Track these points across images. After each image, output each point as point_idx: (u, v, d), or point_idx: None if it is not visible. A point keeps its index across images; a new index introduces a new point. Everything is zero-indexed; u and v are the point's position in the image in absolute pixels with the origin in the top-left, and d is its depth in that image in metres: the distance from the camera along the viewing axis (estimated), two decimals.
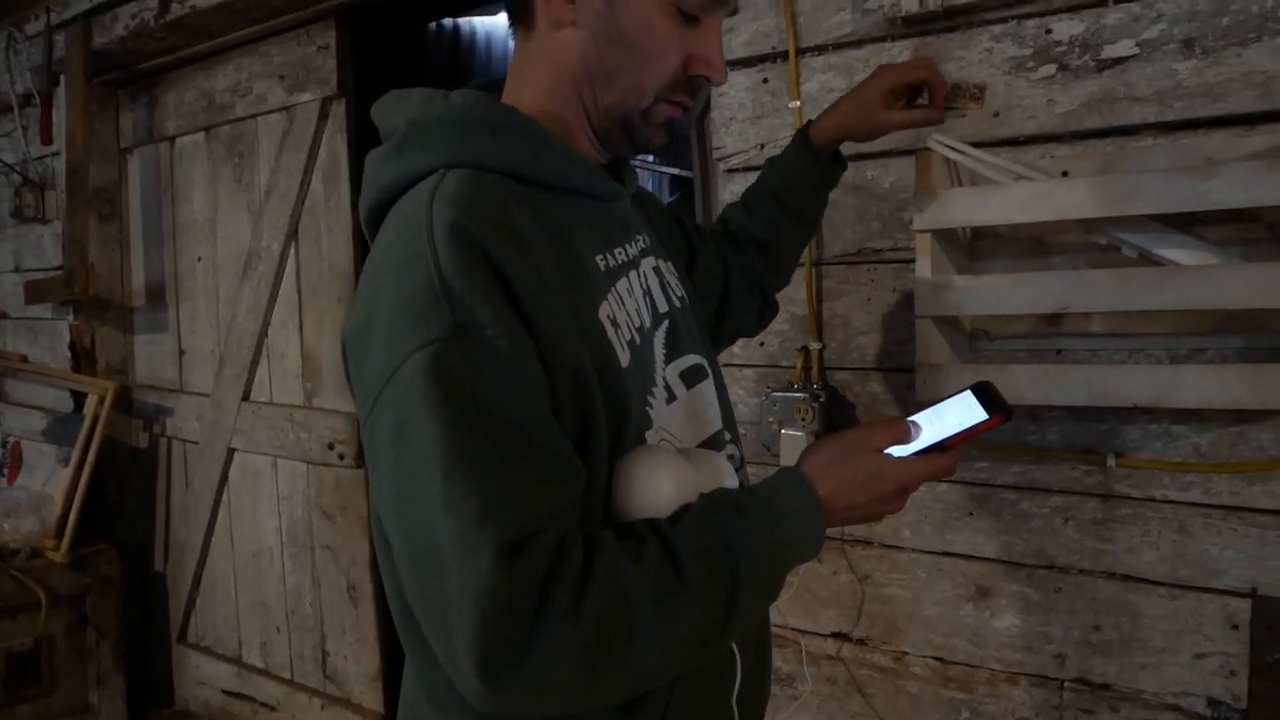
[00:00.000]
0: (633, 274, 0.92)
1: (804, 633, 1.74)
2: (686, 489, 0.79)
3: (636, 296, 0.90)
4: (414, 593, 0.73)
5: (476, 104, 0.85)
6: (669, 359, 0.94)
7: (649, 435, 0.85)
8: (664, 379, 0.91)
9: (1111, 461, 1.42)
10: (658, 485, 0.78)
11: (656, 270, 0.98)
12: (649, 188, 8.39)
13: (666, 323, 0.95)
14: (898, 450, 0.86)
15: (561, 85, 0.88)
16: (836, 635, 1.71)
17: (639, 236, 0.97)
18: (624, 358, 0.83)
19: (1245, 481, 1.34)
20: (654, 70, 0.86)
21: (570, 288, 0.80)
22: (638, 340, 0.87)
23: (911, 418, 0.87)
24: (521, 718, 0.75)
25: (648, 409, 0.86)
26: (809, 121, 1.27)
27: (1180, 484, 1.39)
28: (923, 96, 1.23)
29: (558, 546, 0.70)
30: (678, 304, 1.00)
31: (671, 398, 0.92)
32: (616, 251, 0.91)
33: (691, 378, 0.96)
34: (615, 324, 0.84)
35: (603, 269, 0.87)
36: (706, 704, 0.90)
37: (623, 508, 0.79)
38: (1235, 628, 1.36)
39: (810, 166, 1.26)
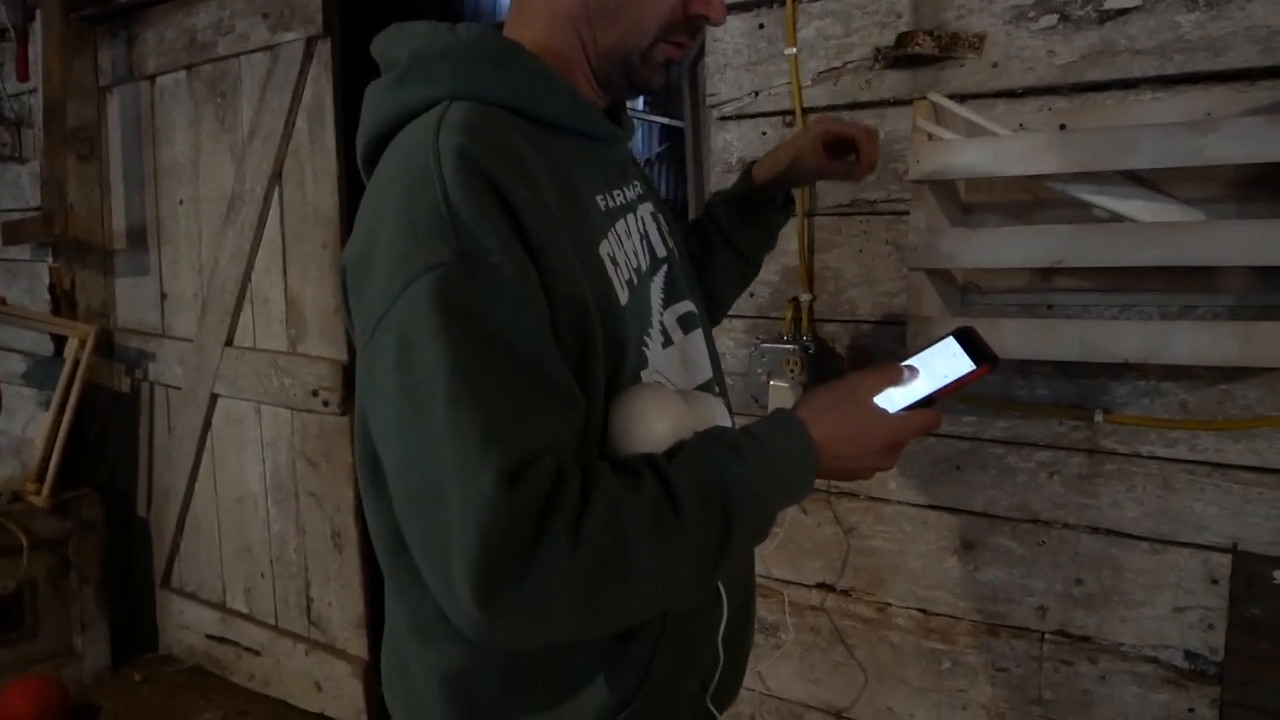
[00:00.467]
0: (630, 217, 0.92)
1: (788, 583, 1.76)
2: (682, 427, 0.80)
3: (634, 239, 0.91)
4: (410, 521, 0.73)
5: (481, 37, 0.84)
6: (666, 304, 0.94)
7: (645, 375, 0.86)
8: (661, 323, 0.92)
9: (1099, 417, 1.43)
10: (654, 422, 0.79)
11: (654, 216, 0.99)
12: (640, 137, 8.32)
13: (665, 268, 0.96)
14: (893, 399, 0.85)
15: (560, 25, 0.88)
16: (821, 586, 1.73)
17: (635, 182, 0.98)
18: (623, 296, 0.84)
19: (1230, 439, 1.35)
20: (653, 9, 0.86)
21: (573, 223, 0.80)
22: (635, 281, 0.88)
23: (905, 362, 0.87)
24: (516, 645, 0.77)
25: (644, 349, 0.87)
26: (753, 161, 1.24)
27: (1166, 440, 1.40)
28: (851, 155, 1.16)
29: (556, 475, 0.70)
30: (674, 251, 1.00)
31: (668, 342, 0.93)
32: (615, 193, 0.91)
33: (688, 324, 0.97)
34: (615, 262, 0.85)
35: (603, 208, 0.87)
36: (694, 643, 0.91)
37: (619, 443, 0.80)
38: (1215, 582, 1.38)
39: (749, 203, 1.23)
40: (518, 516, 0.67)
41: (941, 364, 0.86)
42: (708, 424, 0.83)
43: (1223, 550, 1.37)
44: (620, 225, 0.89)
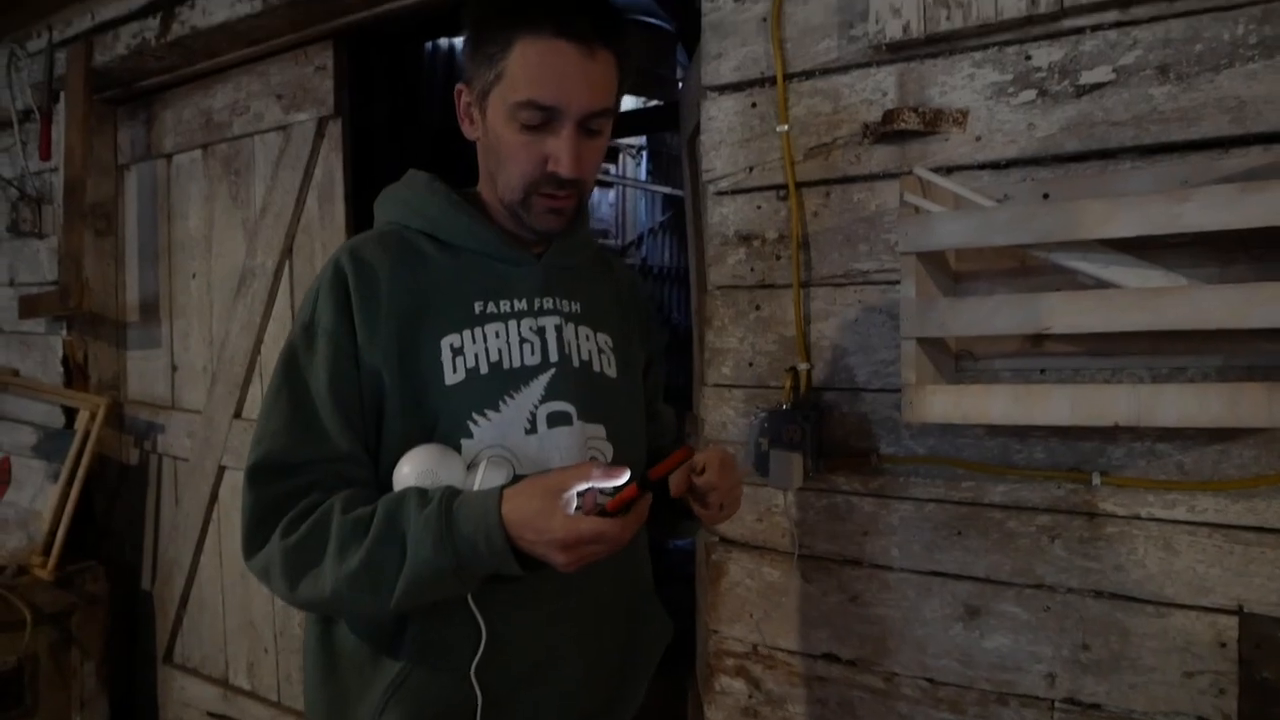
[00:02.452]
0: (514, 322, 1.14)
1: (794, 653, 1.74)
2: (428, 479, 1.03)
3: (510, 339, 1.13)
4: None
5: (421, 184, 1.20)
6: (544, 400, 1.13)
7: (465, 443, 1.08)
8: (532, 413, 1.12)
9: (1097, 480, 1.43)
10: (401, 469, 1.04)
11: (558, 328, 1.17)
12: (642, 206, 8.45)
13: (553, 370, 1.15)
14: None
15: (484, 180, 1.19)
16: (826, 656, 1.71)
17: (548, 299, 1.18)
18: (452, 378, 1.09)
19: (1229, 499, 1.35)
20: (514, 170, 1.10)
21: (414, 314, 1.09)
22: (483, 369, 1.10)
23: (603, 466, 0.99)
24: (276, 595, 1.06)
25: (470, 423, 1.09)
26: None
27: (1165, 502, 1.40)
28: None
29: (304, 484, 1.04)
30: (577, 364, 1.17)
31: (532, 430, 1.12)
32: (501, 302, 1.14)
33: (555, 420, 1.14)
34: (458, 351, 1.10)
35: (476, 311, 1.13)
36: (439, 664, 1.08)
37: (393, 482, 1.05)
38: (1223, 645, 1.37)
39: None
40: (257, 503, 1.04)
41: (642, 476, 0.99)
42: (453, 480, 1.03)
43: (1229, 612, 1.37)
44: (493, 326, 1.13)
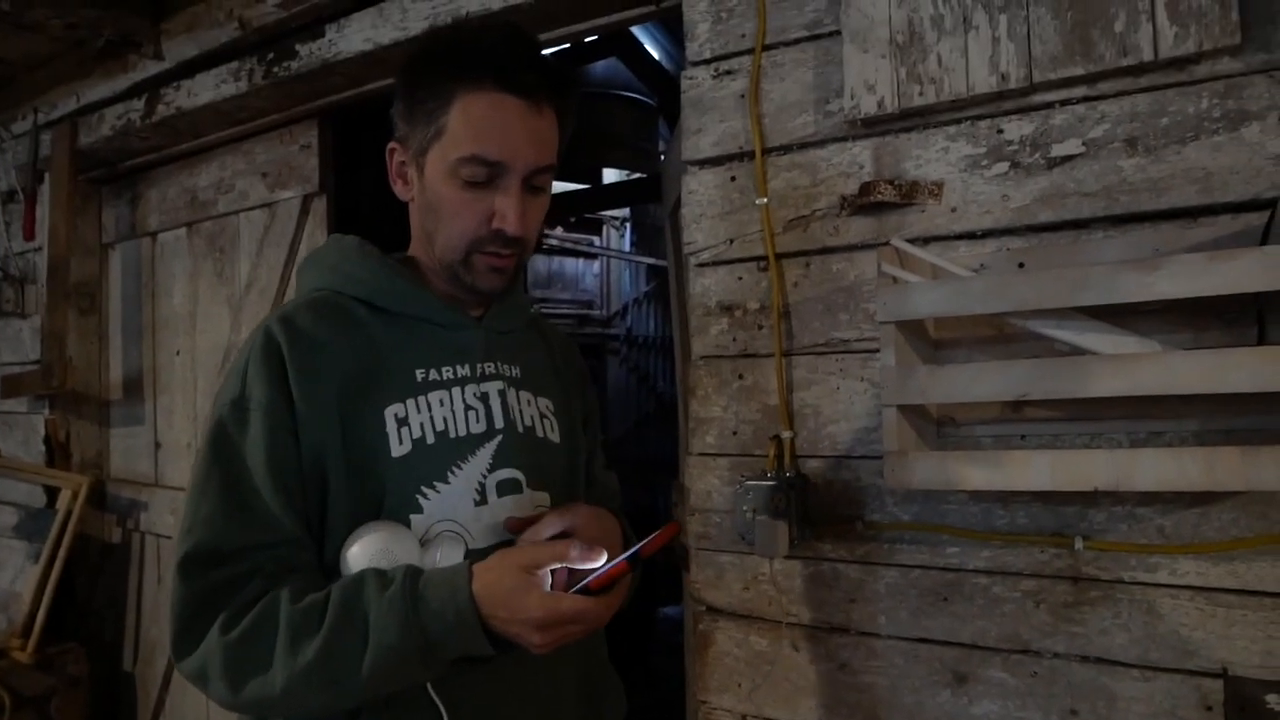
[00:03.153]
0: (458, 389, 1.10)
1: None
2: (383, 559, 0.97)
3: (454, 407, 1.09)
4: None
5: (350, 247, 1.15)
6: (493, 468, 1.10)
7: (415, 519, 1.03)
8: (481, 483, 1.08)
9: (1079, 545, 1.44)
10: (351, 550, 0.99)
11: (501, 393, 1.14)
12: (626, 277, 8.53)
13: (500, 438, 1.11)
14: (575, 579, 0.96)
15: (417, 242, 1.15)
16: None
17: (490, 364, 1.14)
18: (399, 449, 1.04)
19: (1210, 562, 1.36)
20: (456, 228, 1.07)
21: (355, 384, 1.03)
22: (429, 439, 1.05)
23: (579, 545, 0.96)
24: (212, 699, 0.96)
25: (419, 496, 1.04)
26: None
27: (1147, 565, 1.41)
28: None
29: (244, 572, 0.95)
30: (521, 430, 1.14)
31: (482, 500, 1.08)
32: (444, 369, 1.10)
33: (504, 489, 1.10)
34: (403, 421, 1.05)
35: (419, 379, 1.08)
36: None
37: (341, 565, 0.99)
38: (1209, 709, 1.37)
39: None
40: (190, 597, 0.94)
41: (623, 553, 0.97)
42: (409, 559, 0.98)
43: (1214, 675, 1.37)
44: (437, 394, 1.08)
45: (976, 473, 1.37)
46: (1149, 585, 1.41)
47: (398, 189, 1.14)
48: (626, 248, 8.66)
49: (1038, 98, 1.48)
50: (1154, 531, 1.40)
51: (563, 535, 1.04)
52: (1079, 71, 1.41)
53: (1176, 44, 1.33)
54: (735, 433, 1.77)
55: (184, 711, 2.92)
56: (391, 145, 1.12)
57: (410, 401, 1.06)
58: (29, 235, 3.10)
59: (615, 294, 8.45)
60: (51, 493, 3.01)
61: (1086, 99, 1.45)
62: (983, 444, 1.53)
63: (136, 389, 3.12)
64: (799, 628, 1.71)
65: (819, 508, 1.68)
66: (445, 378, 1.10)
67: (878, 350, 1.52)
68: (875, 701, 1.64)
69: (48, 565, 2.75)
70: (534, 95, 1.04)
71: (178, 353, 2.98)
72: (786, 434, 1.70)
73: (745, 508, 1.67)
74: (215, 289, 2.86)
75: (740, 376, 1.77)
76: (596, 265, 8.26)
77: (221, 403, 1.02)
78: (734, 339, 1.78)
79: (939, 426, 1.57)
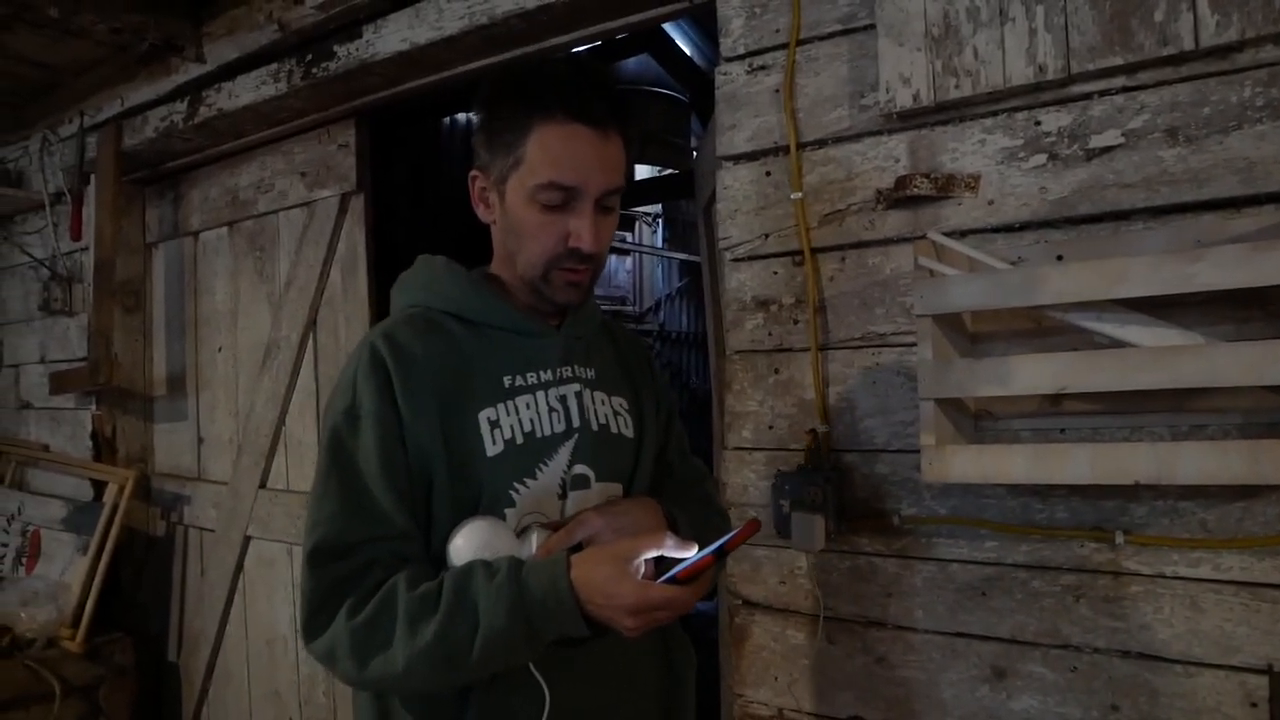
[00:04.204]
0: (541, 393, 1.20)
1: (820, 716, 1.73)
2: (486, 550, 1.07)
3: (539, 409, 1.19)
4: None
5: (440, 267, 1.25)
6: (571, 464, 1.20)
7: (509, 512, 1.13)
8: (563, 479, 1.19)
9: (1120, 539, 1.43)
10: (455, 542, 1.08)
11: (578, 395, 1.23)
12: (659, 273, 8.54)
13: (576, 436, 1.21)
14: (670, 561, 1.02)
15: (501, 260, 1.24)
16: (853, 719, 1.70)
17: (567, 368, 1.24)
18: (493, 449, 1.14)
19: (1254, 557, 1.35)
20: (536, 248, 1.16)
21: (452, 392, 1.14)
22: (519, 440, 1.16)
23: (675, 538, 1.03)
24: (338, 679, 1.08)
25: (512, 492, 1.14)
26: None
27: (1189, 560, 1.40)
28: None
29: (364, 564, 1.06)
30: (595, 428, 1.23)
31: (563, 495, 1.19)
32: (528, 375, 1.20)
33: (576, 484, 1.20)
34: (495, 424, 1.15)
35: (506, 385, 1.18)
36: None
37: (447, 555, 1.09)
38: (1254, 705, 1.35)
39: None
40: (318, 587, 1.05)
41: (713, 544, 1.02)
42: (509, 550, 1.08)
43: (1259, 672, 1.35)
44: (524, 398, 1.18)
45: (1015, 466, 1.36)
46: (1192, 580, 1.40)
47: (480, 212, 1.23)
48: (659, 244, 8.67)
49: (1076, 89, 1.47)
50: (1197, 525, 1.39)
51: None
52: (1118, 62, 1.40)
53: (1218, 32, 1.32)
54: (771, 427, 1.78)
55: (226, 701, 2.98)
56: (473, 173, 1.21)
57: (500, 406, 1.16)
58: (76, 235, 3.16)
59: (648, 290, 8.46)
60: (98, 486, 3.08)
61: (1126, 89, 1.43)
62: (1021, 437, 1.52)
63: (180, 385, 3.17)
64: (836, 621, 1.71)
65: (855, 502, 1.68)
66: (530, 383, 1.20)
67: (914, 344, 1.52)
68: (913, 696, 1.63)
69: (95, 557, 2.82)
70: (602, 124, 1.12)
71: (219, 349, 3.03)
72: (822, 428, 1.70)
73: (781, 502, 1.67)
74: (256, 287, 2.91)
75: (776, 371, 1.77)
76: (629, 261, 8.28)
77: (335, 412, 1.13)
78: (769, 333, 1.78)
79: (976, 420, 1.56)
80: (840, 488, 1.67)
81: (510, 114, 1.14)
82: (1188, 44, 1.34)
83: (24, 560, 3.10)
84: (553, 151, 1.11)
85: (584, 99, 1.11)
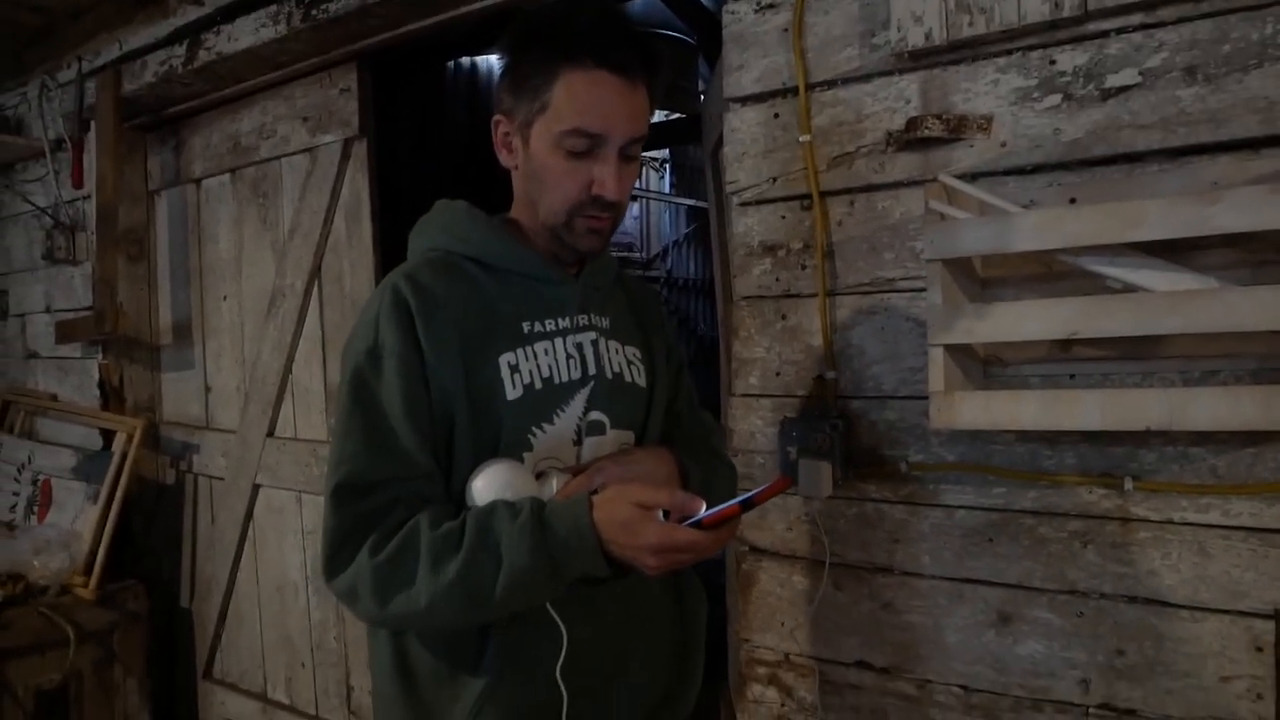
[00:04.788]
0: (559, 340, 1.21)
1: (826, 661, 1.75)
2: (508, 491, 1.08)
3: (557, 356, 1.20)
4: None
5: (461, 211, 1.25)
6: (587, 410, 1.21)
7: (526, 456, 1.15)
8: (578, 425, 1.20)
9: (1129, 485, 1.43)
10: (476, 483, 1.10)
11: (594, 344, 1.24)
12: (666, 219, 8.47)
13: (592, 384, 1.22)
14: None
15: (522, 206, 1.24)
16: (859, 664, 1.71)
17: (584, 316, 1.25)
18: (513, 393, 1.15)
19: (1264, 502, 1.34)
20: (559, 194, 1.15)
21: (474, 335, 1.14)
22: (538, 385, 1.17)
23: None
24: (357, 617, 1.11)
25: (530, 436, 1.16)
26: None
27: (1199, 506, 1.39)
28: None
29: (387, 502, 1.07)
30: (610, 376, 1.24)
31: (578, 440, 1.20)
32: (546, 321, 1.21)
33: (592, 430, 1.22)
34: (514, 368, 1.16)
35: (525, 330, 1.19)
36: (526, 668, 1.13)
37: (467, 495, 1.11)
38: (1260, 650, 1.36)
39: None
40: (341, 522, 1.07)
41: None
42: (529, 491, 1.09)
43: (1265, 617, 1.35)
44: (541, 344, 1.19)
45: (1024, 413, 1.35)
46: (1200, 526, 1.39)
47: (502, 157, 1.22)
48: (666, 189, 8.59)
49: (1092, 26, 1.43)
50: (1206, 471, 1.38)
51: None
52: None
53: None
54: (778, 373, 1.76)
55: (239, 646, 3.02)
56: (497, 118, 1.20)
57: (520, 350, 1.17)
58: (77, 183, 3.14)
59: (655, 236, 8.42)
60: (107, 435, 3.09)
61: (1144, 26, 1.40)
62: (1031, 384, 1.51)
63: (186, 334, 3.17)
64: (842, 567, 1.72)
65: (862, 448, 1.67)
66: (548, 329, 1.21)
67: (924, 289, 1.50)
68: (918, 641, 1.65)
69: (106, 505, 2.84)
70: (629, 71, 1.12)
71: (225, 298, 3.02)
72: (830, 374, 1.69)
73: (788, 448, 1.67)
74: (259, 234, 2.89)
75: (783, 317, 1.76)
76: (636, 208, 8.22)
77: (356, 351, 1.13)
78: (777, 279, 1.76)
79: (985, 366, 1.55)
80: (847, 434, 1.66)
81: (537, 59, 1.13)
82: None
83: (35, 509, 3.13)
84: (580, 98, 1.11)
85: (613, 46, 1.11)
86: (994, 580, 1.57)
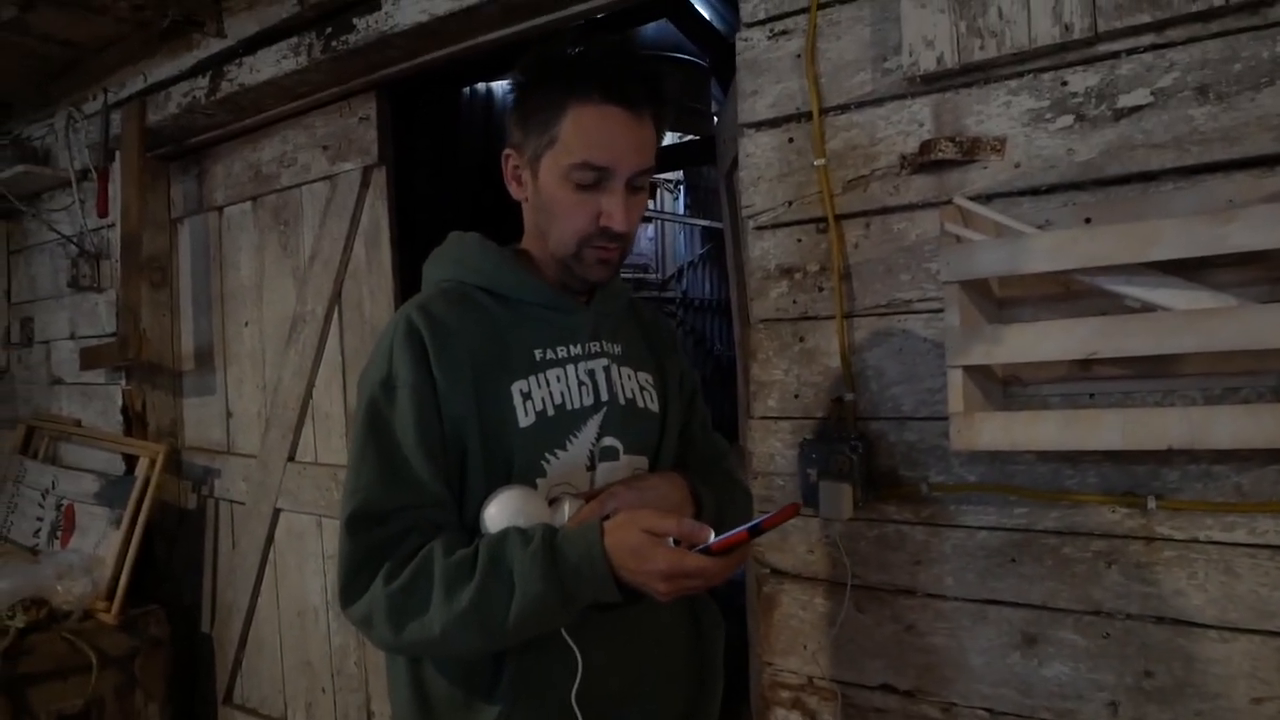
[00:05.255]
0: (571, 367, 1.22)
1: (849, 684, 1.74)
2: (520, 518, 1.09)
3: (569, 383, 1.21)
4: None
5: (473, 243, 1.27)
6: (600, 436, 1.22)
7: (540, 483, 1.16)
8: (591, 450, 1.21)
9: (1152, 504, 1.42)
10: (489, 510, 1.11)
11: (606, 370, 1.25)
12: (681, 240, 8.49)
13: (605, 410, 1.23)
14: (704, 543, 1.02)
15: (532, 237, 1.26)
16: (883, 687, 1.70)
17: (596, 343, 1.26)
18: (525, 420, 1.16)
19: None
20: (568, 226, 1.17)
21: (486, 363, 1.16)
22: (550, 412, 1.18)
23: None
24: (373, 644, 1.13)
25: (543, 462, 1.17)
26: None
27: (1224, 524, 1.38)
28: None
29: (401, 530, 1.09)
30: (623, 402, 1.26)
31: (592, 466, 1.21)
32: (558, 348, 1.22)
33: (605, 455, 1.23)
34: (526, 396, 1.17)
35: (537, 358, 1.20)
36: (541, 694, 1.14)
37: (481, 522, 1.12)
38: None
39: None
40: (355, 552, 1.09)
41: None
42: (542, 518, 1.11)
43: None
44: (554, 371, 1.21)
45: (1045, 433, 1.35)
46: (1226, 545, 1.38)
47: (512, 190, 1.25)
48: (680, 210, 8.62)
49: (1103, 47, 1.44)
50: (1231, 490, 1.37)
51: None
52: (1146, 19, 1.37)
53: None
54: (797, 395, 1.77)
55: (260, 671, 3.03)
56: (507, 151, 1.23)
57: (532, 378, 1.19)
58: (103, 212, 3.19)
59: (670, 257, 8.44)
60: (130, 460, 3.11)
61: (1154, 47, 1.40)
62: (1051, 403, 1.51)
63: (207, 359, 3.20)
64: (864, 589, 1.71)
65: (882, 470, 1.67)
66: (560, 356, 1.22)
67: (941, 310, 1.50)
68: (943, 663, 1.63)
69: (129, 530, 2.86)
70: (636, 105, 1.14)
71: (246, 324, 3.05)
72: (849, 396, 1.69)
73: (809, 470, 1.67)
74: (280, 261, 2.92)
75: (801, 339, 1.76)
76: (651, 229, 8.25)
77: (371, 382, 1.16)
78: (794, 301, 1.77)
79: (1005, 386, 1.54)
80: (867, 456, 1.66)
81: (546, 94, 1.15)
82: None
83: (59, 534, 3.15)
84: (588, 132, 1.13)
85: (620, 81, 1.13)
86: (1018, 601, 1.56)
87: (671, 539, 1.03)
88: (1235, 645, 1.38)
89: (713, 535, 1.03)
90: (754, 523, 1.02)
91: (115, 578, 2.81)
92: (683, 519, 1.06)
